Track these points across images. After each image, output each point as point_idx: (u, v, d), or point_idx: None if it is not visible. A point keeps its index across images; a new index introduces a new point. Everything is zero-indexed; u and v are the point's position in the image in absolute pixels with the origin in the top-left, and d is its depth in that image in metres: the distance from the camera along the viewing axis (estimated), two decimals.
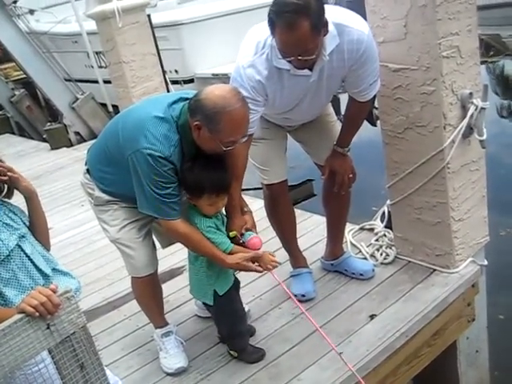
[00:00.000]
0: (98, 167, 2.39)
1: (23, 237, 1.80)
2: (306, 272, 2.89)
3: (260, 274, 2.42)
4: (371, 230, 3.20)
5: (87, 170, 2.44)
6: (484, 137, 2.58)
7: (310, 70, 2.30)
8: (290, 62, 2.21)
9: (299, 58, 2.16)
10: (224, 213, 2.33)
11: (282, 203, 2.81)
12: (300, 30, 2.06)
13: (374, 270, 2.86)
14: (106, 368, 1.66)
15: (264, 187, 2.80)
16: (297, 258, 2.93)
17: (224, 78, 5.88)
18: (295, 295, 2.69)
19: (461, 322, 2.78)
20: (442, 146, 2.52)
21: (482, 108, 2.52)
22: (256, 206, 3.54)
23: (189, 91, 2.30)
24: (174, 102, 2.18)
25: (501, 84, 10.67)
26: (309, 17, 2.06)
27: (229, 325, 2.48)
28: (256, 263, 2.24)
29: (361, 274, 2.86)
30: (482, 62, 11.71)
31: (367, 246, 3.06)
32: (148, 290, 2.52)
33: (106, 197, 2.39)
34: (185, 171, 2.16)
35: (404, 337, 2.43)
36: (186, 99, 2.18)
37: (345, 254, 2.95)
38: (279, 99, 2.41)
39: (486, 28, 11.68)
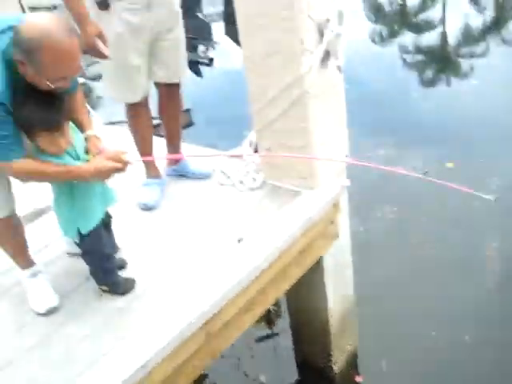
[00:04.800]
0: None
1: None
2: (155, 183, 3.09)
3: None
4: (240, 156, 3.26)
5: None
6: (341, 62, 2.67)
7: None
8: None
9: None
10: (79, 146, 2.24)
11: (143, 114, 2.97)
12: None
13: (212, 170, 3.20)
14: None
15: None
16: (151, 169, 3.12)
17: None
18: (139, 204, 3.02)
19: (325, 239, 2.94)
20: (300, 71, 2.57)
21: (338, 34, 2.59)
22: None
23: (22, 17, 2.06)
24: (2, 32, 1.96)
25: (372, 10, 10.99)
26: None
27: (95, 263, 2.47)
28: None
29: (201, 174, 3.20)
30: None
31: (236, 173, 3.11)
32: (7, 231, 2.42)
33: None
34: (15, 107, 2.00)
35: (271, 257, 2.54)
36: None
37: (185, 160, 3.22)
38: None
39: None
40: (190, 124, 7.00)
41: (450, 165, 5.20)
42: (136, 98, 2.89)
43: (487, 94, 6.43)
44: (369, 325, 3.70)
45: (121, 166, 2.14)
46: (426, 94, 6.97)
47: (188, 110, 7.05)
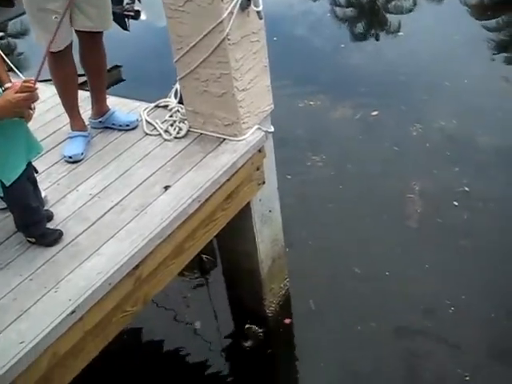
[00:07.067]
0: None
1: None
2: (80, 135, 3.07)
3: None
4: (166, 107, 3.27)
5: None
6: (260, 8, 2.68)
7: None
8: None
9: None
10: None
11: (66, 63, 2.91)
12: None
13: (138, 120, 3.19)
14: None
15: None
16: (75, 121, 3.11)
17: None
18: (64, 156, 2.99)
19: (252, 185, 3.01)
20: (220, 17, 2.58)
21: None
22: (49, 93, 3.44)
23: None
24: None
25: None
26: None
27: (21, 215, 2.46)
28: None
29: (127, 125, 3.17)
30: None
31: (162, 123, 3.12)
32: None
33: None
34: None
35: (196, 202, 2.59)
36: None
37: (110, 110, 3.20)
38: None
39: None
40: (119, 80, 6.88)
41: (374, 113, 5.37)
42: (58, 45, 2.80)
43: (413, 48, 6.61)
44: (299, 268, 3.85)
45: (27, 95, 2.15)
46: (355, 47, 7.08)
47: (117, 67, 6.90)
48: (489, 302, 3.53)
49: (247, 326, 3.57)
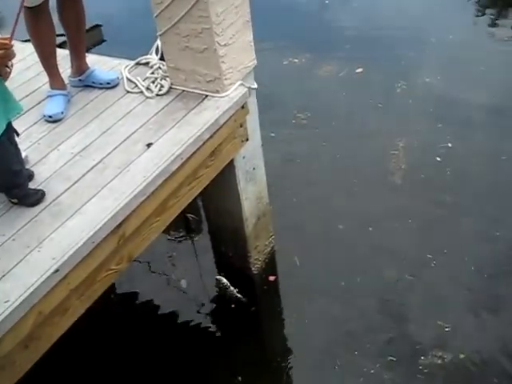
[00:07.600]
0: None
1: None
2: (60, 94, 3.02)
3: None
4: (147, 64, 3.21)
5: None
6: None
7: None
8: None
9: None
10: None
11: (44, 19, 2.84)
12: None
13: (118, 78, 3.14)
14: None
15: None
16: (55, 80, 3.06)
17: None
18: (44, 116, 2.94)
19: (235, 142, 2.99)
20: None
21: None
22: (28, 51, 3.36)
23: None
24: None
25: None
26: None
27: (4, 178, 2.42)
28: None
29: (107, 83, 3.12)
30: None
31: (143, 80, 3.08)
32: None
33: None
34: None
35: (179, 159, 2.57)
36: None
37: (90, 69, 3.15)
38: None
39: None
40: (100, 40, 6.75)
41: (359, 70, 5.33)
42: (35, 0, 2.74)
43: (398, 4, 6.54)
44: (284, 225, 3.87)
45: (3, 53, 2.10)
46: (340, 3, 6.98)
47: (98, 26, 6.76)
48: (470, 256, 3.59)
49: (217, 276, 3.63)
